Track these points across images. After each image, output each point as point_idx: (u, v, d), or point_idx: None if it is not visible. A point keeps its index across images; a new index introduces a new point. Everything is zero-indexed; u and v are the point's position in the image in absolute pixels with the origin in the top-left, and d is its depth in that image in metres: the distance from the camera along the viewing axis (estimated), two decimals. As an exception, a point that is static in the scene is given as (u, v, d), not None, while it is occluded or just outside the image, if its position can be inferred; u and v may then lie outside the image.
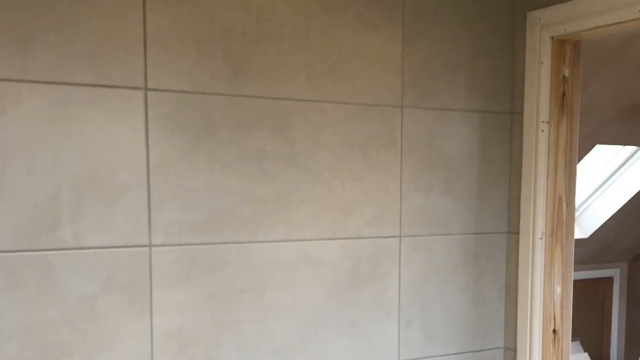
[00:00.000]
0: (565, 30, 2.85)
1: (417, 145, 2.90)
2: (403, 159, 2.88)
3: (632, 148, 5.72)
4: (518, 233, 3.09)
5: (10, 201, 2.29)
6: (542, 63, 2.93)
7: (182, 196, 2.52)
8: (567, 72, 2.95)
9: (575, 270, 3.14)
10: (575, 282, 3.18)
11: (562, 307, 3.08)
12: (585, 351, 6.36)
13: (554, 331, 3.08)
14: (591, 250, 6.26)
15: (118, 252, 2.45)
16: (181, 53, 2.47)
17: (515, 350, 3.16)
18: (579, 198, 5.29)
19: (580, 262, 5.42)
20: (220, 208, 2.58)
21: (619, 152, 5.82)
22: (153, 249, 2.51)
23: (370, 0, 2.75)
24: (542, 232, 2.99)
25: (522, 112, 3.04)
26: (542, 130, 2.94)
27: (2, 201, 2.28)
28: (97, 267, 2.43)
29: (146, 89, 2.43)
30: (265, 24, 2.58)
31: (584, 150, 5.05)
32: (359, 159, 2.79)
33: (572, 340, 3.24)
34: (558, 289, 3.06)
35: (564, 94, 2.96)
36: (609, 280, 6.68)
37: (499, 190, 3.13)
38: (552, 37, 2.91)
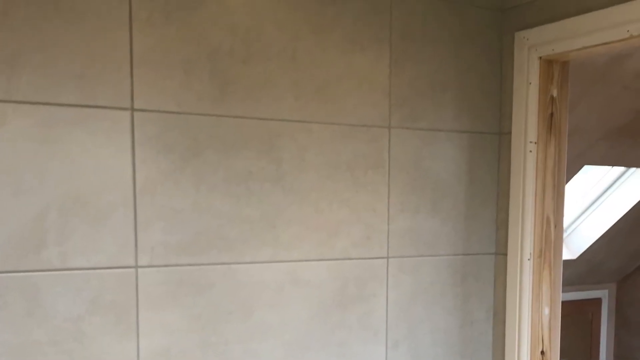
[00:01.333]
0: (553, 50, 2.86)
1: (404, 166, 2.90)
2: (390, 180, 2.87)
3: (620, 169, 5.73)
4: (506, 254, 3.08)
5: (-4, 222, 2.29)
6: (530, 83, 2.93)
7: (168, 217, 2.51)
8: (555, 93, 2.96)
9: (563, 292, 3.14)
10: (564, 303, 3.17)
11: (550, 329, 3.07)
12: (573, 372, 6.36)
13: (542, 352, 3.07)
14: (579, 271, 6.27)
15: (104, 273, 2.43)
16: (168, 73, 2.46)
17: (503, 372, 3.15)
18: (567, 219, 5.28)
19: (569, 283, 5.42)
20: (206, 229, 2.57)
21: (607, 172, 5.83)
22: (139, 270, 2.49)
23: (357, 21, 2.75)
24: (530, 253, 2.99)
25: (510, 133, 3.04)
26: (530, 151, 2.94)
27: (-13, 222, 2.27)
28: (84, 288, 2.41)
29: (133, 109, 2.42)
30: (252, 45, 2.57)
31: (572, 171, 5.05)
32: (346, 180, 2.78)
33: (561, 362, 3.24)
34: (546, 310, 3.05)
35: (552, 114, 2.96)
36: (597, 302, 6.68)
37: (486, 211, 3.12)
38: (540, 58, 2.91)
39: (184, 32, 2.47)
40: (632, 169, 5.75)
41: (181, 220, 2.53)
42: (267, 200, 2.65)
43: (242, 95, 2.57)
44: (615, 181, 5.89)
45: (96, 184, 2.39)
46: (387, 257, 2.90)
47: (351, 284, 2.84)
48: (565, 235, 5.96)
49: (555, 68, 2.96)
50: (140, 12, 2.40)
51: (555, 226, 3.04)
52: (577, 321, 6.46)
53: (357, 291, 2.86)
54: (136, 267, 2.49)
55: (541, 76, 2.93)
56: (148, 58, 2.43)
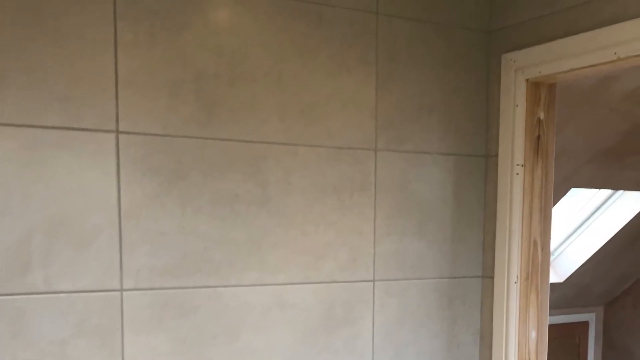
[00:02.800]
0: (540, 72, 2.86)
1: (390, 189, 2.89)
2: (377, 202, 2.86)
3: (608, 191, 5.74)
4: (493, 277, 3.07)
5: (-21, 246, 2.27)
6: (517, 106, 2.93)
7: (153, 240, 2.49)
8: (542, 115, 2.95)
9: (550, 315, 3.13)
10: (551, 326, 3.17)
11: (537, 352, 3.06)
12: (561, 396, 6.35)
13: (529, 376, 3.06)
14: (566, 295, 6.27)
15: (89, 296, 2.41)
16: (153, 96, 2.45)
17: (490, 395, 3.14)
18: (554, 242, 5.29)
19: (556, 306, 5.41)
20: (192, 252, 2.55)
21: (594, 195, 5.84)
22: (124, 293, 2.47)
23: (343, 43, 2.75)
24: (517, 276, 2.98)
25: (496, 155, 3.04)
26: (517, 174, 2.93)
27: (-30, 246, 2.26)
28: (69, 311, 2.39)
29: (118, 131, 2.41)
30: (237, 67, 2.57)
31: (559, 194, 5.06)
32: (332, 203, 2.77)
33: (548, 385, 3.23)
34: (533, 334, 3.04)
35: (539, 137, 2.96)
36: (584, 325, 6.68)
37: (473, 234, 3.12)
38: (527, 80, 2.91)
39: (170, 54, 2.46)
40: (619, 192, 5.75)
41: (167, 243, 2.51)
42: (253, 224, 2.64)
43: (228, 118, 2.57)
44: (602, 204, 5.90)
45: (81, 206, 2.38)
46: (374, 280, 2.89)
47: (338, 307, 2.83)
48: (552, 258, 5.96)
49: (542, 90, 2.96)
50: (125, 34, 2.39)
51: (543, 249, 3.03)
52: (564, 344, 6.46)
53: (343, 314, 2.84)
54: (121, 290, 2.47)
55: (528, 98, 2.93)
56: (133, 80, 2.42)
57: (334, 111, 2.75)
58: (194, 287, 2.59)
